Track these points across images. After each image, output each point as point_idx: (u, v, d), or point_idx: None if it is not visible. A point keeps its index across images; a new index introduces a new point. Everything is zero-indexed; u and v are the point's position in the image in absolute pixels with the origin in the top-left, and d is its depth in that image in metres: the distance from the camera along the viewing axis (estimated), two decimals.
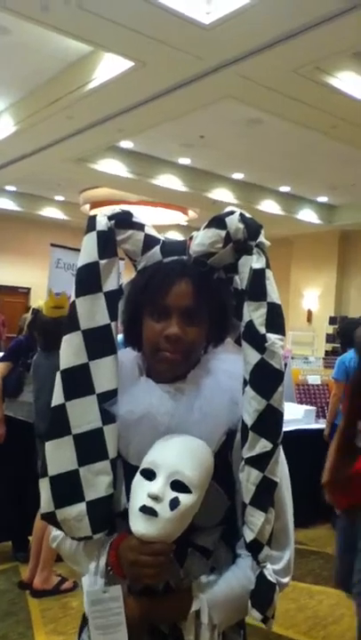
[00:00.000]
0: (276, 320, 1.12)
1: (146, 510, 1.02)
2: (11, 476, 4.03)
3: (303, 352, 10.86)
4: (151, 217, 12.08)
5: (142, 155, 10.05)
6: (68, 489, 1.14)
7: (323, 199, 12.58)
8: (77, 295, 1.17)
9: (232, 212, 1.15)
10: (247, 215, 1.15)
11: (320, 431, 5.11)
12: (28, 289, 14.80)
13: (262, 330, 1.10)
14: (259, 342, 1.10)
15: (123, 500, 1.16)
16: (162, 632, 1.14)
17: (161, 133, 8.52)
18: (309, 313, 14.68)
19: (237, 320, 1.18)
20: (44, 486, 1.16)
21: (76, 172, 10.30)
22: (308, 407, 5.47)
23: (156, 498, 1.03)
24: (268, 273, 1.13)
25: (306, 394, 5.87)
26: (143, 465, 1.08)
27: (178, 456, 1.06)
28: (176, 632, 1.12)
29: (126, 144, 9.53)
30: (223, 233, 1.13)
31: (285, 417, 4.59)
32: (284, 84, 6.30)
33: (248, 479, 1.09)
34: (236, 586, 1.13)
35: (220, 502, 1.14)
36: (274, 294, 1.12)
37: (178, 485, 1.04)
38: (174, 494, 1.03)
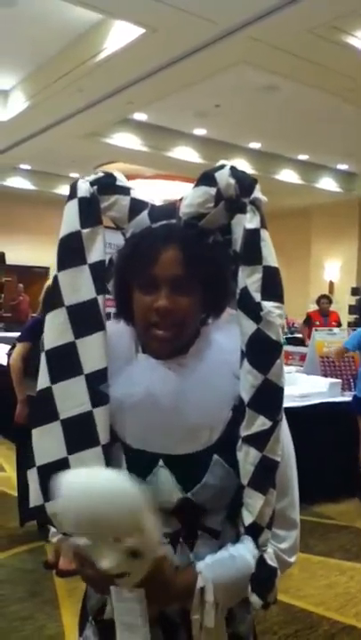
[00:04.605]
0: (272, 286, 1.03)
1: None
2: None
3: None
4: (170, 191, 11.91)
5: (157, 127, 9.89)
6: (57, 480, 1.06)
7: (342, 167, 12.29)
8: (59, 269, 1.08)
9: (222, 167, 1.04)
10: (239, 169, 1.04)
11: (346, 404, 5.02)
12: (47, 268, 14.75)
13: (257, 297, 1.02)
14: (254, 311, 1.02)
15: None
16: (174, 622, 1.08)
17: (175, 104, 8.36)
18: (331, 284, 14.44)
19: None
20: (32, 478, 1.07)
21: (90, 148, 10.19)
22: (334, 380, 5.38)
23: None
24: (264, 233, 1.03)
25: (331, 366, 5.77)
26: None
27: None
28: (187, 621, 1.06)
29: (140, 116, 9.36)
30: (213, 190, 1.03)
31: (311, 390, 4.49)
32: (299, 46, 6.10)
33: (246, 459, 1.02)
34: (241, 566, 1.05)
35: (231, 483, 1.06)
36: (270, 257, 1.03)
37: None
38: None
